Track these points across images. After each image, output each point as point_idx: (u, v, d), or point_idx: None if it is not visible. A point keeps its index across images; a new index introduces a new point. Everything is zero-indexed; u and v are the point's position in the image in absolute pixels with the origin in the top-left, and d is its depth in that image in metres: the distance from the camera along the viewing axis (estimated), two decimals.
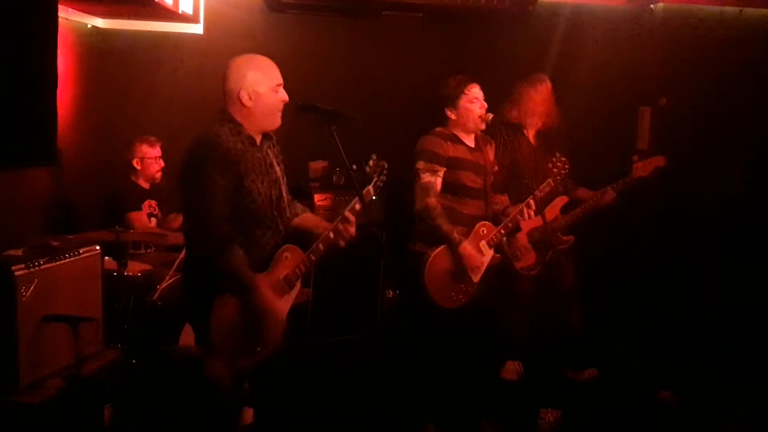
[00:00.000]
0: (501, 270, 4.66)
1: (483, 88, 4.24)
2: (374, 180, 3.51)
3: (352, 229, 3.37)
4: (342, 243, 3.39)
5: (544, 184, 4.22)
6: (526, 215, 4.19)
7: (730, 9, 5.66)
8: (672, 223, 5.42)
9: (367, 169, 3.55)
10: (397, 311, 5.59)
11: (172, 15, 5.00)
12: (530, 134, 4.78)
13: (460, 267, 4.14)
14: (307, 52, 5.75)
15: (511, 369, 4.97)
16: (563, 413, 4.37)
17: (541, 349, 4.99)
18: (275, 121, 3.33)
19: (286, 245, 3.35)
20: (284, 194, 3.42)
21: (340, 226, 3.35)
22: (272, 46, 5.65)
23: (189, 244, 3.32)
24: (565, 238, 4.84)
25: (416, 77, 5.66)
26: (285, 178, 3.48)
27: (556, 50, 5.67)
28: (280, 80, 3.32)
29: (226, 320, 3.15)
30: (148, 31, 5.34)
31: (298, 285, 3.42)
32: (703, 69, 5.49)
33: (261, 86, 3.23)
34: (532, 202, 4.16)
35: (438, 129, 4.20)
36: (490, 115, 4.21)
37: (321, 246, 3.38)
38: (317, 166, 5.70)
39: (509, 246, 4.72)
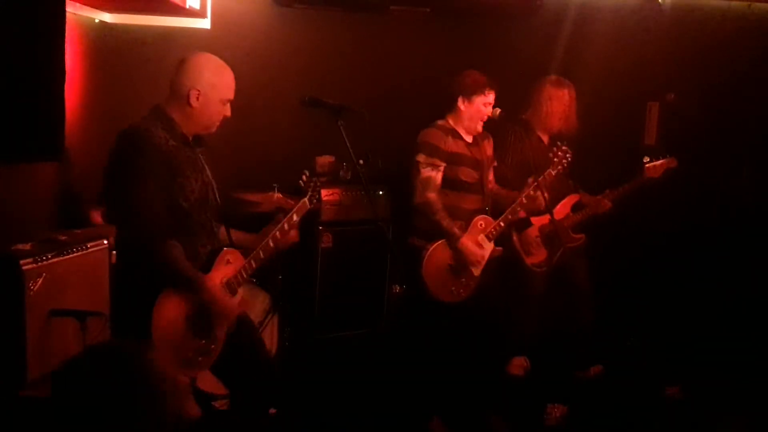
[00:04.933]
0: (511, 265, 4.68)
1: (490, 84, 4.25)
2: (309, 194, 3.51)
3: (293, 235, 3.41)
4: (283, 248, 3.40)
5: (545, 174, 4.23)
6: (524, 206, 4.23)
7: (738, 3, 5.63)
8: (679, 218, 5.40)
9: (301, 183, 3.57)
10: (403, 306, 5.60)
11: (179, 10, 5.00)
12: (544, 135, 4.77)
13: (460, 261, 4.15)
14: (314, 47, 5.75)
15: (518, 364, 4.97)
16: (570, 409, 4.37)
17: (549, 345, 4.99)
18: (211, 129, 3.26)
19: (228, 249, 3.25)
20: (217, 200, 3.31)
21: (278, 235, 3.33)
22: (279, 41, 5.70)
23: (122, 241, 3.20)
24: (575, 236, 4.84)
25: (423, 72, 5.65)
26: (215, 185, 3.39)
27: (564, 45, 5.64)
28: (232, 96, 3.25)
29: (169, 317, 3.03)
30: (156, 26, 5.34)
31: (240, 291, 3.28)
32: (712, 64, 5.47)
33: (213, 93, 3.17)
34: (531, 192, 4.20)
35: (439, 122, 4.21)
36: (498, 110, 4.23)
37: (261, 254, 3.31)
38: (324, 161, 5.70)
39: (520, 241, 4.74)
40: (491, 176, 4.48)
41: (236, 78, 5.50)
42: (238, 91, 5.49)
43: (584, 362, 4.95)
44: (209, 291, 3.08)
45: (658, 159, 4.79)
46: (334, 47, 5.80)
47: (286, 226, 3.36)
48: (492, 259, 4.31)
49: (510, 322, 5.00)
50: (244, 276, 3.27)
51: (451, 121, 4.25)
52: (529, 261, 4.77)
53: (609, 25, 5.74)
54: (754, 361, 4.67)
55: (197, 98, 3.13)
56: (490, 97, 4.17)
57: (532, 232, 4.74)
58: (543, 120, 4.74)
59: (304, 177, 3.56)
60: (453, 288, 4.18)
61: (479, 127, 4.23)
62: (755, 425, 4.12)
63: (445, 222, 4.07)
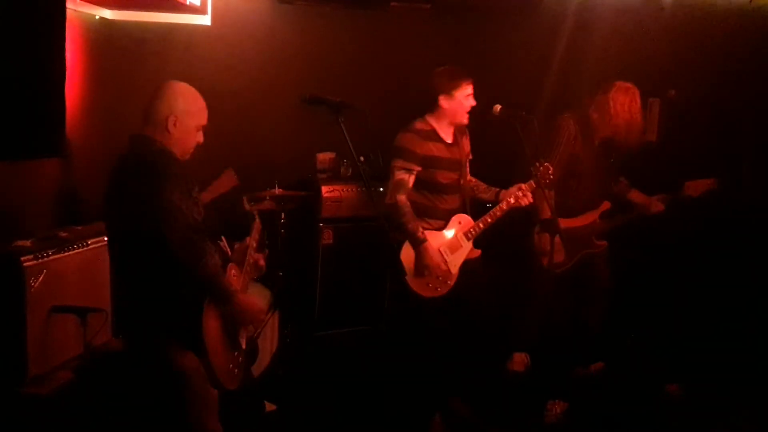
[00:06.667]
0: (524, 262, 4.75)
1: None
2: (255, 215, 3.78)
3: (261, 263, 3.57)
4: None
5: (527, 184, 4.25)
6: (504, 209, 4.25)
7: None
8: (679, 216, 5.40)
9: (247, 208, 4.09)
10: (399, 302, 5.61)
11: (179, 6, 5.00)
12: (598, 136, 4.69)
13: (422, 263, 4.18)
14: (314, 44, 5.75)
15: (518, 361, 4.98)
16: (570, 405, 4.37)
17: (550, 341, 4.98)
18: (185, 156, 3.26)
19: (230, 263, 3.31)
20: None
21: (254, 254, 3.48)
22: (279, 38, 5.70)
23: (151, 262, 3.00)
24: (598, 242, 4.82)
25: (424, 69, 5.63)
26: None
27: (565, 41, 5.63)
28: (205, 122, 3.26)
29: (214, 333, 3.06)
30: (156, 23, 5.34)
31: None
32: (713, 60, 5.45)
33: (188, 120, 3.17)
34: (512, 200, 4.24)
35: (417, 125, 4.22)
36: (498, 107, 4.22)
37: (249, 268, 3.43)
38: (325, 157, 5.71)
39: (539, 242, 4.74)
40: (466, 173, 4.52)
41: (236, 75, 5.56)
42: (238, 88, 5.53)
43: (585, 359, 4.95)
44: (243, 301, 3.14)
45: (698, 179, 4.74)
46: (334, 44, 5.80)
47: (253, 246, 3.51)
48: (470, 259, 4.32)
49: (514, 318, 5.01)
50: (246, 287, 3.37)
51: (432, 122, 4.26)
52: (545, 261, 4.75)
53: (610, 21, 5.72)
54: (754, 360, 4.66)
55: (174, 124, 3.13)
56: (469, 88, 4.19)
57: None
58: (601, 123, 4.61)
59: (246, 204, 4.01)
60: (429, 283, 4.20)
61: (465, 119, 4.24)
62: (755, 424, 4.12)
63: (410, 225, 4.11)
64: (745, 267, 4.93)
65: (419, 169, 4.16)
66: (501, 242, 4.56)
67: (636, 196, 4.84)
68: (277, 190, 4.89)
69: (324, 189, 5.39)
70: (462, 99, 4.17)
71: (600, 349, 4.97)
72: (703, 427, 4.20)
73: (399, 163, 4.16)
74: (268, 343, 4.71)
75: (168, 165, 2.99)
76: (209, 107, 3.34)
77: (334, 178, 5.57)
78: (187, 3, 4.95)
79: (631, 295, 5.38)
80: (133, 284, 3.09)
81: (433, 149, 4.19)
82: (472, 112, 4.31)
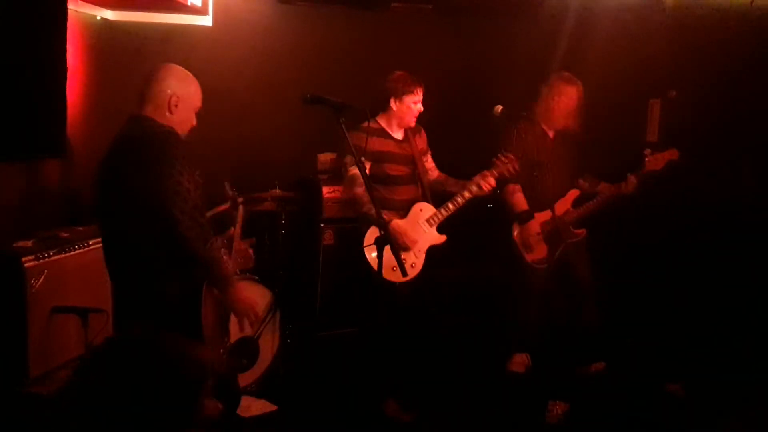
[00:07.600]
0: (513, 261, 4.80)
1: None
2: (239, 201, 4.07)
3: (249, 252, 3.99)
4: None
5: (479, 180, 4.38)
6: (466, 197, 4.39)
7: (740, 0, 5.61)
8: (681, 215, 5.40)
9: (229, 193, 4.19)
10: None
11: (181, 7, 5.01)
12: (549, 130, 4.83)
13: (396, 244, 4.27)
14: (315, 44, 5.75)
15: (519, 361, 4.98)
16: (571, 406, 4.37)
17: (551, 342, 4.99)
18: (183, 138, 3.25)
19: (223, 248, 3.31)
20: None
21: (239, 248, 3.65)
22: (281, 38, 5.70)
23: (156, 242, 2.98)
24: (576, 231, 4.84)
25: (425, 69, 5.63)
26: None
27: (565, 42, 5.64)
28: (200, 104, 3.25)
29: (210, 316, 3.09)
30: (158, 23, 5.35)
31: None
32: (714, 61, 5.45)
33: (189, 101, 3.18)
34: (474, 188, 4.37)
35: (364, 125, 4.32)
36: (499, 107, 4.28)
37: (236, 255, 3.61)
38: (326, 158, 5.71)
39: (521, 237, 4.77)
40: (431, 165, 4.65)
41: (238, 75, 5.57)
42: (240, 89, 5.53)
43: (586, 359, 4.95)
44: (240, 290, 3.14)
45: (659, 151, 4.77)
46: (335, 44, 5.80)
47: (238, 234, 3.70)
48: (436, 245, 4.42)
49: (511, 319, 5.01)
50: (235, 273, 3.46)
51: (381, 122, 4.44)
52: (529, 258, 4.80)
53: (610, 22, 5.73)
54: (755, 359, 4.66)
55: (176, 104, 3.13)
56: (420, 94, 4.39)
57: (533, 227, 4.76)
58: (549, 115, 4.78)
59: (228, 190, 4.20)
60: (393, 267, 4.22)
61: (412, 122, 4.44)
62: (755, 423, 4.12)
63: (372, 212, 4.19)
64: (746, 267, 4.93)
65: (369, 163, 4.29)
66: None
67: (604, 187, 4.88)
68: (277, 192, 4.90)
69: (325, 190, 5.41)
70: (410, 104, 4.37)
71: (600, 348, 4.97)
72: (703, 427, 4.20)
73: (349, 159, 4.29)
74: (269, 344, 4.72)
75: (177, 146, 2.97)
76: (210, 107, 3.35)
77: (335, 178, 5.57)
78: (189, 4, 4.96)
79: (631, 294, 5.38)
80: (132, 274, 3.06)
81: (381, 145, 4.37)
82: (474, 112, 4.33)
